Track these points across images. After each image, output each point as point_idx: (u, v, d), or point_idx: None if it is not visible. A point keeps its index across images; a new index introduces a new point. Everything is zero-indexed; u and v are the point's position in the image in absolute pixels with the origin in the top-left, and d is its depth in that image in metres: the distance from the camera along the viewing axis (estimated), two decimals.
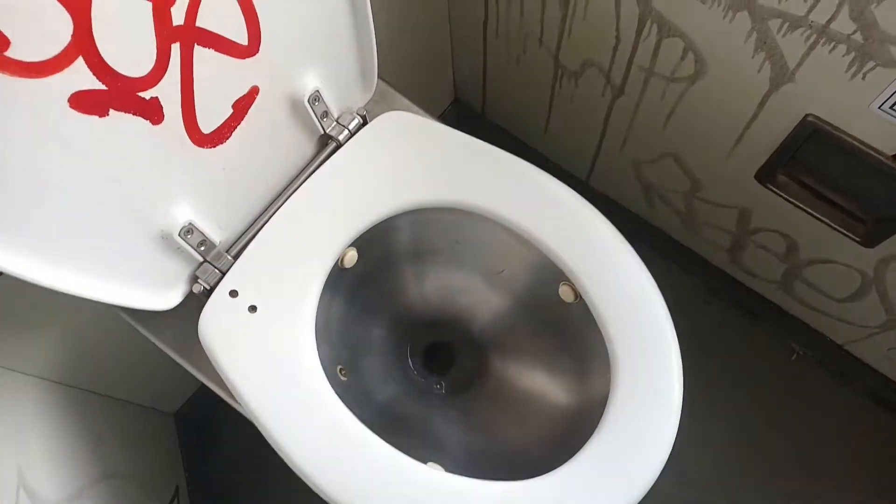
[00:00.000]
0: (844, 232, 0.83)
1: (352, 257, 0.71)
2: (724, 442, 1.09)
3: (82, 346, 0.81)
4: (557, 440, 0.69)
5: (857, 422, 1.09)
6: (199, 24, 0.53)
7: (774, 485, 1.06)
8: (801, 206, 0.84)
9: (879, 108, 0.66)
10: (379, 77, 0.74)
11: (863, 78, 0.65)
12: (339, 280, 0.71)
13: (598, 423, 0.62)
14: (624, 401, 0.62)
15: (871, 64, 0.63)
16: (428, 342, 0.84)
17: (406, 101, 0.78)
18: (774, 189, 0.86)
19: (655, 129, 0.93)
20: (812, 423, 1.10)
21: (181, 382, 1.07)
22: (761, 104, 0.76)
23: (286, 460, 0.60)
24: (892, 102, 0.65)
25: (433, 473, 0.60)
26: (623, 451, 0.60)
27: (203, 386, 1.13)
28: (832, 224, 0.83)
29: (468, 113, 1.28)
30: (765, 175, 0.85)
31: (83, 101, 0.48)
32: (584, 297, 0.66)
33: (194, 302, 0.66)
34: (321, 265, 0.67)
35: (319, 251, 0.67)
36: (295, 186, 0.69)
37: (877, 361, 1.06)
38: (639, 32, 0.80)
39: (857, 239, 0.82)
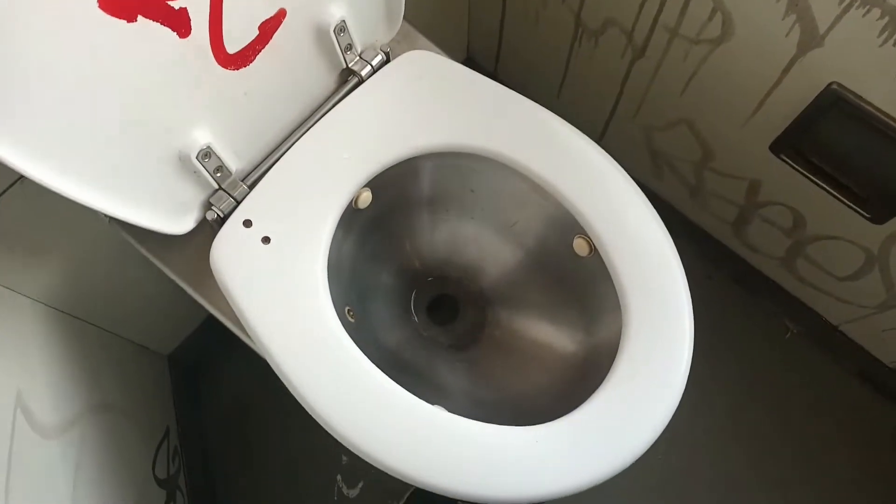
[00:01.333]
0: (855, 207, 0.83)
1: (366, 198, 0.70)
2: (715, 412, 1.10)
3: (86, 278, 0.79)
4: (563, 392, 0.69)
5: (846, 401, 1.11)
6: None
7: (761, 456, 1.08)
8: (813, 179, 0.84)
9: None
10: (403, 18, 0.72)
11: (894, 44, 0.64)
12: (351, 220, 0.70)
13: (605, 375, 0.62)
14: (634, 354, 0.62)
15: None
16: (433, 294, 0.83)
17: (429, 43, 0.77)
18: (788, 161, 0.85)
19: (673, 94, 0.92)
20: (801, 401, 1.11)
21: (176, 324, 1.06)
22: (786, 70, 0.76)
23: (292, 391, 0.59)
24: None
25: (441, 413, 0.59)
26: (632, 401, 0.60)
27: (196, 330, 1.12)
28: (844, 199, 0.83)
29: (480, 70, 1.26)
30: (780, 145, 0.85)
31: (112, 3, 0.47)
32: (599, 250, 0.66)
33: (204, 233, 0.64)
34: (336, 203, 0.66)
35: (335, 188, 0.66)
36: (314, 120, 0.68)
37: (870, 343, 1.07)
38: None
39: (867, 215, 0.83)
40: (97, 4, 0.46)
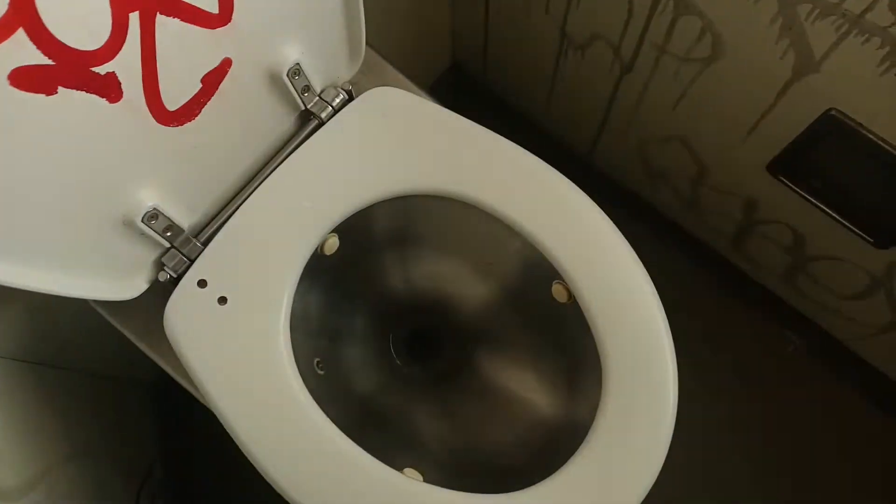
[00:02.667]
0: (857, 231, 0.78)
1: (333, 244, 0.66)
2: (713, 431, 1.07)
3: (45, 321, 0.76)
4: (544, 447, 0.66)
5: (850, 418, 1.07)
6: None
7: (763, 479, 1.05)
8: (812, 201, 0.80)
9: None
10: (368, 44, 0.68)
11: None
12: (318, 267, 0.66)
13: (587, 431, 0.59)
14: (614, 412, 0.59)
15: None
16: (412, 329, 0.80)
17: (397, 74, 0.72)
18: (786, 182, 0.81)
19: (664, 110, 0.87)
20: (801, 418, 1.07)
21: None
22: (781, 93, 0.71)
23: (254, 464, 0.56)
24: None
25: (410, 485, 0.56)
26: (611, 464, 0.57)
27: None
28: (844, 222, 0.79)
29: (466, 80, 1.21)
30: (777, 167, 0.80)
31: (26, 78, 0.43)
32: (577, 299, 0.62)
33: (164, 287, 0.61)
34: (298, 255, 0.62)
35: (296, 239, 0.62)
36: (272, 167, 0.64)
37: (876, 359, 1.03)
38: (653, 8, 0.73)
39: (871, 240, 0.78)
40: (7, 83, 0.42)
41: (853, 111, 0.66)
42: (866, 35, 0.58)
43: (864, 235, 0.78)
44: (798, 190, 0.80)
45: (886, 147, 0.65)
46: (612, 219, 0.64)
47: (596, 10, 0.81)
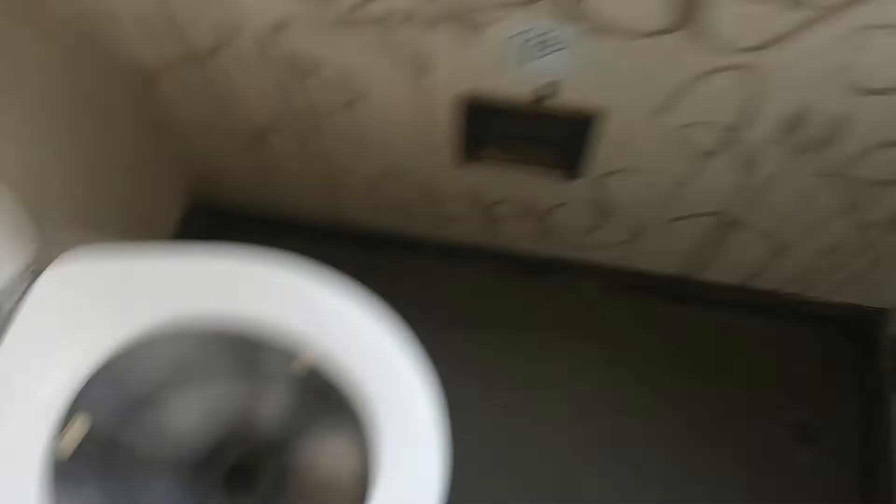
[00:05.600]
0: (548, 175, 0.89)
1: (77, 432, 0.64)
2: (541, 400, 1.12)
3: None
4: None
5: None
6: None
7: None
8: (507, 168, 0.89)
9: (499, 65, 0.71)
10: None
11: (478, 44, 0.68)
12: (75, 465, 0.64)
13: None
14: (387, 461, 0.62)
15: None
16: (224, 470, 0.78)
17: (81, 234, 0.73)
18: (478, 164, 0.90)
19: (355, 159, 0.95)
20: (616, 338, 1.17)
21: None
22: (413, 100, 0.79)
23: None
24: (504, 58, 0.70)
25: None
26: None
27: None
28: (534, 172, 0.89)
29: (211, 212, 1.23)
30: (462, 158, 0.89)
31: None
32: (314, 366, 0.65)
33: None
34: (31, 465, 0.59)
35: (23, 446, 0.60)
36: None
37: (646, 263, 1.13)
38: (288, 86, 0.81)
39: (561, 175, 0.88)
40: None
41: (471, 89, 0.75)
42: (433, 22, 0.67)
43: (554, 175, 0.88)
44: (487, 167, 0.90)
45: (508, 104, 0.75)
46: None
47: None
